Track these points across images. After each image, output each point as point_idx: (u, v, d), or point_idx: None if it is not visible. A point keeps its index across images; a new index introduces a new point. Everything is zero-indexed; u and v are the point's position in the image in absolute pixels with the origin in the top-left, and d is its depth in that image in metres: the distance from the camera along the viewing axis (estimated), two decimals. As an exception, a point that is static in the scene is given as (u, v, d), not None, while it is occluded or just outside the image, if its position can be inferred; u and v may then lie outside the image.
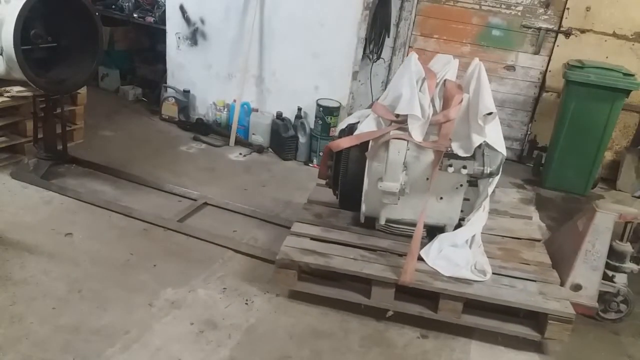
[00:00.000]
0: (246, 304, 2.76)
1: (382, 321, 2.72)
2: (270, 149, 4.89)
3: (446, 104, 2.76)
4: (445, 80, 2.83)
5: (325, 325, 2.69)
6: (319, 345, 2.55)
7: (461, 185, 2.78)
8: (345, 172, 2.87)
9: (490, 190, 2.79)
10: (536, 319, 2.65)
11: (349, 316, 2.75)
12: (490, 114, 2.62)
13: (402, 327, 2.72)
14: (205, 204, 3.72)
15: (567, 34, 4.93)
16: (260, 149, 4.82)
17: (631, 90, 4.33)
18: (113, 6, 5.62)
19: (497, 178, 2.76)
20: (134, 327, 2.50)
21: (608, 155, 4.99)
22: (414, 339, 2.67)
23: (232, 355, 2.42)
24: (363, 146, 2.78)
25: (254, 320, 2.66)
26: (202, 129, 5.03)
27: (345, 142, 2.82)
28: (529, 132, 5.30)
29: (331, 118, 4.51)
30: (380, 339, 2.64)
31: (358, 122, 2.94)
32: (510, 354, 2.65)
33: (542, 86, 5.15)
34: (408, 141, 2.68)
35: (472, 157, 2.69)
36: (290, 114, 4.77)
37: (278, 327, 2.64)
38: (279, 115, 4.80)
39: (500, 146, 2.73)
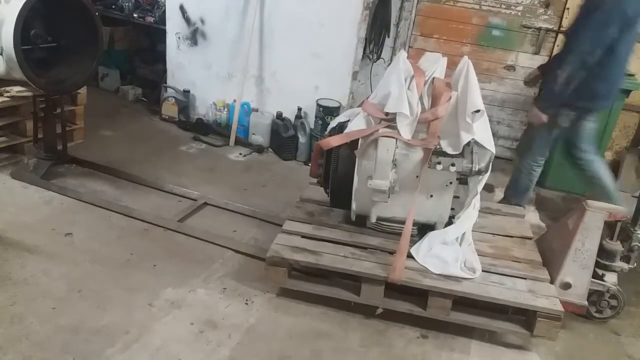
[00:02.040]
0: (246, 304, 2.76)
1: (382, 321, 2.73)
2: (270, 149, 4.89)
3: (434, 101, 2.77)
4: (433, 78, 2.84)
5: (325, 325, 2.69)
6: (319, 345, 2.55)
7: (451, 183, 2.78)
8: (336, 171, 2.88)
9: (480, 187, 2.79)
10: (526, 316, 2.66)
11: (349, 316, 2.75)
12: (478, 111, 2.62)
13: (402, 327, 2.72)
14: (205, 204, 3.72)
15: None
16: (260, 149, 4.82)
17: (631, 90, 4.33)
18: (113, 6, 5.61)
19: (486, 175, 2.77)
20: (134, 327, 2.50)
21: (608, 155, 4.98)
22: (414, 339, 2.67)
23: (232, 355, 2.42)
24: (353, 144, 2.79)
25: (254, 320, 2.66)
26: (202, 129, 5.03)
27: (335, 141, 2.83)
28: (529, 132, 5.30)
29: (331, 118, 4.51)
30: (380, 339, 2.64)
31: (348, 120, 2.95)
32: (511, 354, 2.65)
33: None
34: (397, 139, 2.69)
35: (461, 155, 2.69)
36: (290, 114, 4.77)
37: (278, 327, 2.64)
38: (279, 115, 4.80)
39: (489, 144, 2.73)
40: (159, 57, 5.51)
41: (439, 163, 2.68)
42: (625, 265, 2.91)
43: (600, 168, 3.67)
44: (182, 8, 4.98)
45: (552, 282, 2.76)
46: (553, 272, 2.81)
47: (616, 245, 2.90)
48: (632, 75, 4.35)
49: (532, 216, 4.02)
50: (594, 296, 2.91)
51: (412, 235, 2.80)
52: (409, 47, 5.32)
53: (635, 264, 2.95)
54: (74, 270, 2.84)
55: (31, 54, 3.51)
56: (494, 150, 2.75)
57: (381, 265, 2.70)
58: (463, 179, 2.81)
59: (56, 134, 3.86)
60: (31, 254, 2.91)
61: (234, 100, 4.90)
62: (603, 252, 2.87)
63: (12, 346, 2.29)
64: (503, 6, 5.03)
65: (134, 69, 6.05)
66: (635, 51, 4.79)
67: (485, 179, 2.78)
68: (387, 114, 2.78)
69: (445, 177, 2.77)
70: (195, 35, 5.01)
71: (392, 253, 2.76)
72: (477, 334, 2.72)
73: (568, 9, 4.87)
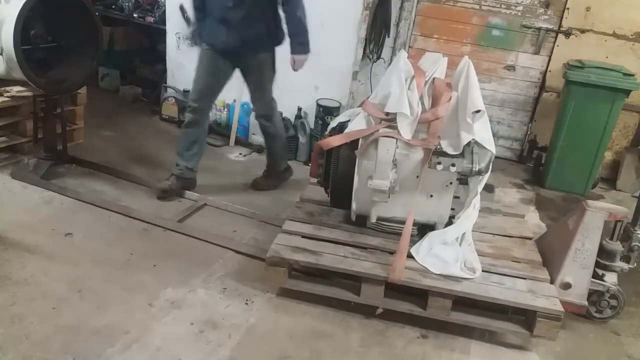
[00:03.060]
0: (246, 304, 2.76)
1: (382, 321, 2.73)
2: (270, 149, 4.88)
3: (435, 101, 2.77)
4: (434, 79, 2.84)
5: (325, 325, 2.69)
6: (319, 345, 2.55)
7: (451, 183, 2.78)
8: (336, 171, 2.88)
9: (480, 188, 2.79)
10: (526, 316, 2.66)
11: (349, 316, 2.75)
12: (478, 111, 2.62)
13: (402, 327, 2.72)
14: (205, 204, 3.72)
15: (567, 34, 4.92)
16: (260, 149, 4.81)
17: (631, 90, 4.33)
18: (113, 6, 5.61)
19: (486, 176, 2.77)
20: (134, 327, 2.50)
21: (608, 155, 4.98)
22: (414, 339, 2.67)
23: (232, 355, 2.42)
24: (353, 144, 2.80)
25: (254, 320, 2.66)
26: (202, 129, 5.02)
27: (335, 141, 2.83)
28: (529, 132, 5.29)
29: (331, 118, 4.50)
30: (380, 339, 2.64)
31: (348, 120, 2.96)
32: (511, 354, 2.65)
33: (542, 86, 5.15)
34: (397, 139, 2.69)
35: (461, 155, 2.69)
36: (290, 114, 4.76)
37: (278, 327, 2.64)
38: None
39: (489, 144, 2.74)
40: (159, 57, 5.50)
41: (439, 163, 2.69)
42: (625, 265, 2.90)
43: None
44: (182, 8, 4.97)
45: (552, 282, 2.76)
46: (553, 272, 2.81)
47: (616, 245, 2.89)
48: (632, 75, 4.35)
49: (532, 216, 4.02)
50: (594, 296, 2.91)
51: (412, 235, 2.80)
52: (409, 47, 5.32)
53: (635, 264, 2.95)
54: (74, 270, 2.83)
55: (31, 54, 3.51)
56: (494, 151, 2.75)
57: (381, 265, 2.70)
58: (463, 179, 2.81)
59: (56, 134, 3.86)
60: (31, 254, 2.91)
61: (234, 100, 4.89)
62: (603, 252, 2.87)
63: (12, 346, 2.29)
64: (503, 6, 5.03)
65: (134, 69, 6.04)
66: (635, 51, 4.84)
67: (485, 179, 2.78)
68: (387, 114, 2.78)
69: (446, 177, 2.77)
70: (195, 35, 5.00)
71: (392, 253, 2.76)
72: (477, 334, 2.71)
73: (568, 9, 4.87)
